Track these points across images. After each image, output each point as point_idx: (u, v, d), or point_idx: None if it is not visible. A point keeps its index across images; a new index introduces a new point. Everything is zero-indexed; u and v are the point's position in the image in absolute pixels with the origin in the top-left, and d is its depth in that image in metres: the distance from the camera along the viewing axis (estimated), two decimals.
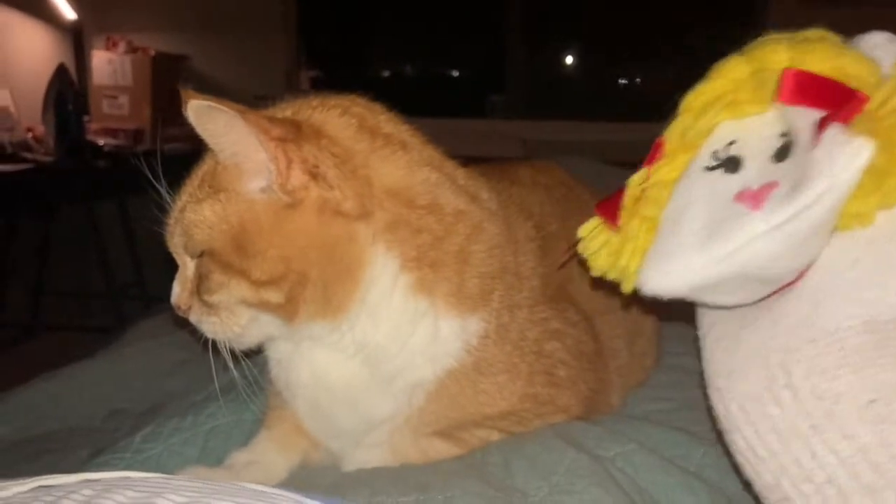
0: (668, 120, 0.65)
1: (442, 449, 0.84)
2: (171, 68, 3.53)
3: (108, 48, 3.47)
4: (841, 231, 0.57)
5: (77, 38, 3.67)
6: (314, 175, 0.74)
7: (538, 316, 0.87)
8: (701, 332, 0.68)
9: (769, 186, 0.56)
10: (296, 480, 0.81)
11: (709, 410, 0.66)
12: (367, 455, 0.83)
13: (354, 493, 0.70)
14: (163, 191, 0.86)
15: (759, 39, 0.62)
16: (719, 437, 0.65)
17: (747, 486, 0.64)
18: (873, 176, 0.53)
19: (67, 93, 3.00)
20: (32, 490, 0.50)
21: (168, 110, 3.48)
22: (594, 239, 0.68)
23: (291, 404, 0.88)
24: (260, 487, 0.50)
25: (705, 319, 0.67)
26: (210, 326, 0.81)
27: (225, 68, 3.49)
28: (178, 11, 3.71)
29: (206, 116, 0.73)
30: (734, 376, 0.61)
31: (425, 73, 4.33)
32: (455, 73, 4.32)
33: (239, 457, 0.84)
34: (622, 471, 0.79)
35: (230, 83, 3.39)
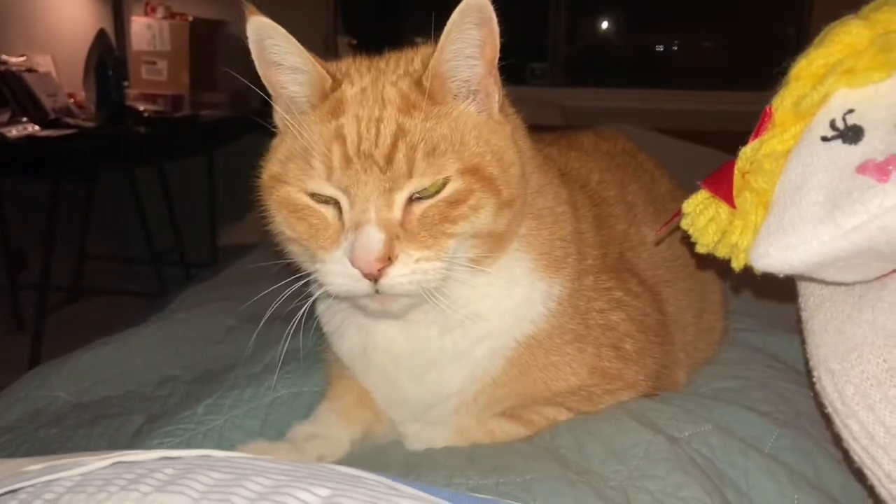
0: (776, 88, 0.61)
1: (509, 430, 0.81)
2: (209, 34, 3.51)
3: (146, 14, 3.46)
4: None
5: (116, 4, 3.65)
6: None
7: (602, 285, 0.85)
8: (805, 314, 0.64)
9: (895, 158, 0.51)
10: (366, 458, 0.79)
11: (814, 394, 0.63)
12: (433, 434, 0.81)
13: (431, 473, 0.68)
14: None
15: (878, 1, 0.57)
16: (828, 421, 0.61)
17: (860, 474, 0.60)
18: None
19: (108, 59, 3.00)
20: (112, 465, 0.48)
21: (206, 76, 3.47)
22: (701, 214, 0.65)
23: (361, 375, 0.86)
24: (353, 472, 0.48)
25: (811, 300, 0.63)
26: (423, 276, 0.70)
27: None
28: None
29: None
30: (850, 358, 0.57)
31: None
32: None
33: (300, 430, 0.83)
34: (699, 452, 0.76)
35: None
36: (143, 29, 3.43)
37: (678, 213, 0.69)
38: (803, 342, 0.65)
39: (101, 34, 3.04)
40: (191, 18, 3.47)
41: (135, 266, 3.52)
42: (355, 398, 0.86)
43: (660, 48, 4.20)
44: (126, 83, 3.30)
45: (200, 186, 3.42)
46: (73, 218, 3.12)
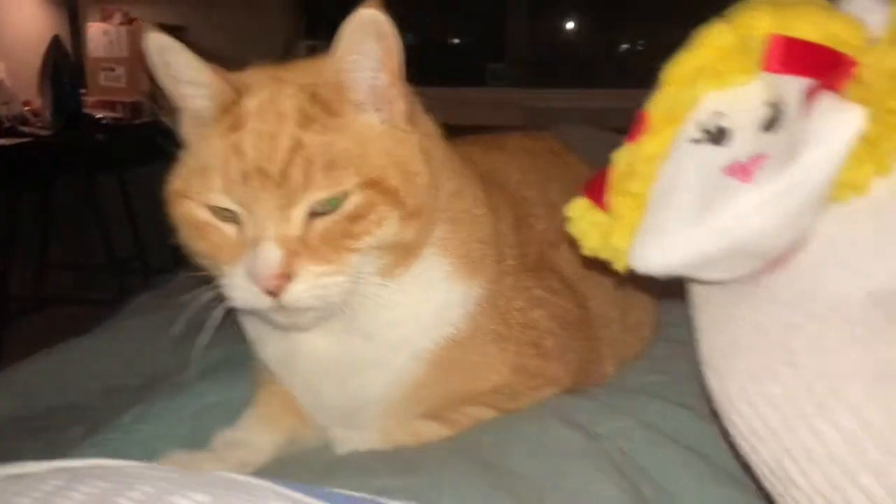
0: (651, 91, 0.63)
1: (434, 431, 0.82)
2: None
3: (103, 19, 3.43)
4: (837, 201, 0.55)
5: (72, 10, 3.61)
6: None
7: (522, 284, 0.86)
8: (693, 312, 0.65)
9: (759, 158, 0.53)
10: (286, 463, 0.80)
11: (705, 391, 0.64)
12: (359, 438, 0.82)
13: (345, 476, 0.69)
14: None
15: (743, 4, 0.59)
16: (716, 417, 0.63)
17: (747, 467, 0.62)
18: (866, 143, 0.51)
19: (63, 65, 2.97)
20: (2, 480, 0.49)
21: None
22: (583, 219, 0.66)
23: (285, 382, 0.86)
24: (237, 477, 0.48)
25: (698, 298, 0.65)
26: (325, 290, 0.70)
27: (222, 38, 3.43)
28: None
29: None
30: (732, 355, 0.58)
31: (426, 42, 4.26)
32: (456, 42, 4.26)
33: (223, 437, 0.83)
34: (619, 448, 0.78)
35: (228, 53, 3.34)
36: (99, 35, 3.39)
37: None
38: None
39: (55, 40, 3.01)
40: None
41: (96, 274, 3.49)
42: (281, 404, 0.87)
43: (624, 47, 4.24)
44: (83, 90, 3.27)
45: (161, 193, 3.38)
46: (31, 226, 3.09)
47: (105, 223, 3.27)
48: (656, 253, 0.57)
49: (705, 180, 0.55)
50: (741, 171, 0.53)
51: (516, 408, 0.85)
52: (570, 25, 4.25)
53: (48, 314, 3.18)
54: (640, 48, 4.18)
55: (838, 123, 0.50)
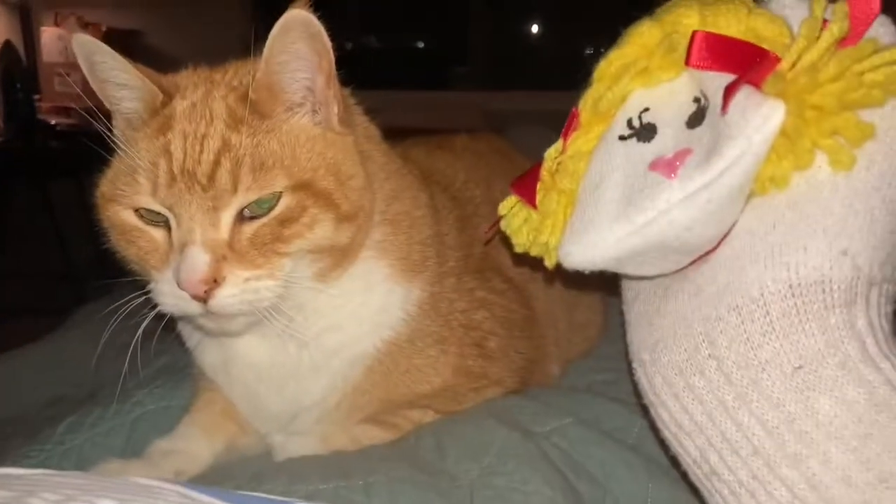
0: (582, 89, 0.63)
1: (374, 435, 0.81)
2: (125, 44, 3.42)
3: (57, 24, 3.38)
4: (758, 196, 0.55)
5: (25, 15, 3.55)
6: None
7: (464, 286, 0.86)
8: (624, 307, 0.66)
9: (683, 153, 0.54)
10: (217, 470, 0.79)
11: (634, 386, 0.65)
12: (298, 444, 0.81)
13: (274, 482, 0.68)
14: None
15: (670, 2, 0.60)
16: (646, 412, 0.63)
17: (674, 461, 0.62)
18: (786, 138, 0.51)
19: (16, 71, 2.93)
20: None
21: None
22: (515, 216, 0.66)
23: (223, 388, 0.85)
24: (146, 481, 0.48)
25: (627, 293, 0.65)
26: (254, 295, 0.69)
27: (179, 43, 3.39)
28: None
29: None
30: (658, 348, 0.59)
31: (388, 45, 4.26)
32: (418, 45, 4.27)
33: (159, 445, 0.81)
34: (557, 446, 0.78)
35: (185, 57, 3.30)
36: (53, 40, 3.35)
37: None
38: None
39: (7, 46, 2.96)
40: (104, 29, 3.39)
41: (53, 283, 3.42)
42: (219, 410, 0.85)
43: (589, 51, 4.28)
44: (37, 96, 3.22)
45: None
46: None
47: (61, 231, 3.21)
48: (582, 248, 0.57)
49: (632, 176, 0.56)
50: (666, 166, 0.54)
51: (459, 410, 0.84)
52: (534, 29, 4.27)
53: (2, 325, 3.11)
54: (603, 52, 4.21)
55: (758, 118, 0.50)
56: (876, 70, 0.51)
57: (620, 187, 0.56)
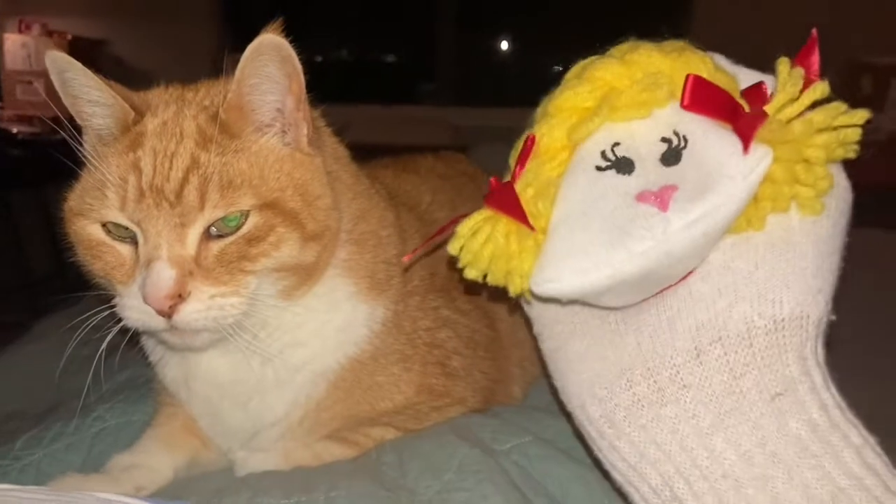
0: (535, 118, 0.65)
1: (335, 452, 0.82)
2: (90, 53, 3.40)
3: (21, 31, 3.33)
4: (734, 234, 0.59)
5: None
6: None
7: (429, 304, 0.88)
8: (551, 343, 0.66)
9: (669, 189, 0.56)
10: (179, 485, 0.79)
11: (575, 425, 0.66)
12: (260, 460, 0.81)
13: (236, 496, 0.68)
14: None
15: (626, 44, 0.63)
16: (589, 452, 0.64)
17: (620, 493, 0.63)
18: (771, 183, 0.56)
19: None
20: None
21: None
22: (475, 236, 0.64)
23: (185, 404, 0.85)
24: (106, 496, 0.48)
25: (557, 328, 0.66)
26: (219, 312, 0.70)
27: (146, 53, 3.37)
28: None
29: None
30: (620, 382, 0.60)
31: (356, 60, 4.27)
32: (386, 60, 4.28)
33: (120, 460, 0.81)
34: (516, 464, 0.79)
35: (152, 68, 3.28)
36: (17, 47, 3.30)
37: (440, 232, 0.70)
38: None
39: None
40: (70, 37, 3.36)
41: (10, 295, 3.35)
42: (181, 426, 0.85)
43: (557, 68, 4.32)
44: None
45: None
46: None
47: (20, 242, 3.15)
48: (573, 276, 0.58)
49: (619, 207, 0.58)
50: (655, 198, 0.56)
51: (420, 428, 0.85)
52: (503, 45, 4.31)
53: None
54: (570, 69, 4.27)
55: (752, 161, 0.55)
56: (854, 130, 0.57)
57: (610, 216, 0.58)
